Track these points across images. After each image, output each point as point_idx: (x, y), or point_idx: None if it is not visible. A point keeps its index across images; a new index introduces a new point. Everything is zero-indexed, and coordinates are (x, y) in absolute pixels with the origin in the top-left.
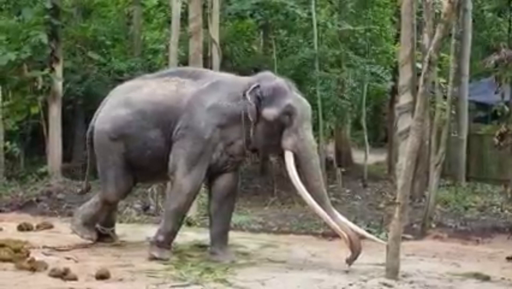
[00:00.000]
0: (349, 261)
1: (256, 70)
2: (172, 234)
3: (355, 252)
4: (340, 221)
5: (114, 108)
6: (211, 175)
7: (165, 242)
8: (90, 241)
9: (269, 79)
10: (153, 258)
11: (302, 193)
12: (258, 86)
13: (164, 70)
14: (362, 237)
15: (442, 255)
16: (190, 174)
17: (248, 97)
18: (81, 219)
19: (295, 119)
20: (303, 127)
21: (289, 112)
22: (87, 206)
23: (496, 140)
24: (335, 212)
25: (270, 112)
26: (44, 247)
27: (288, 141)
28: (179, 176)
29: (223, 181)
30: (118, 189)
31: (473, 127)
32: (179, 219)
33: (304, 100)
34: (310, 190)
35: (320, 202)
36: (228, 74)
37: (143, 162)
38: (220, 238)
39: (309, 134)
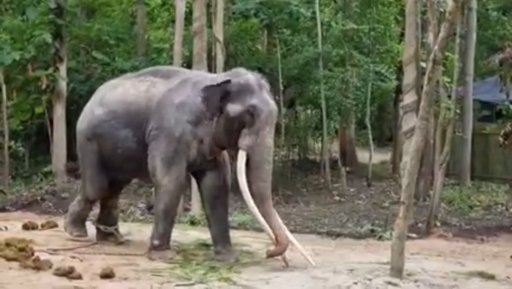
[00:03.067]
0: (268, 255)
1: (260, 70)
2: (166, 234)
3: (279, 251)
4: (277, 223)
5: (91, 107)
6: (195, 175)
7: (161, 244)
8: (80, 238)
9: (239, 75)
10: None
11: (244, 193)
12: (229, 81)
13: (142, 70)
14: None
15: (447, 254)
16: (169, 173)
17: (212, 90)
18: (69, 217)
19: (257, 121)
20: (265, 131)
21: (251, 113)
22: (73, 204)
23: (501, 140)
24: (275, 215)
25: (232, 108)
26: (49, 248)
27: (244, 141)
28: (160, 177)
29: (209, 181)
30: (94, 187)
31: (477, 126)
32: (169, 218)
33: (272, 103)
34: (254, 189)
35: (261, 202)
36: (199, 71)
37: (115, 161)
38: (222, 237)
39: (268, 139)
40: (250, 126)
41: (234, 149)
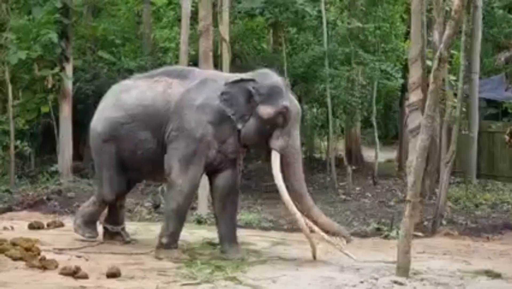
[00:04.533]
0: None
1: (266, 68)
2: (175, 234)
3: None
4: (325, 221)
5: (105, 110)
6: (210, 174)
7: (170, 243)
8: (92, 239)
9: (267, 76)
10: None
11: (283, 195)
12: (253, 80)
13: (155, 70)
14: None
15: (453, 253)
16: (185, 173)
17: (235, 88)
18: (81, 218)
19: (288, 122)
20: (295, 131)
21: (284, 114)
22: (86, 205)
23: (507, 138)
24: (318, 211)
25: (265, 110)
26: (55, 247)
27: (278, 142)
28: (175, 176)
29: (223, 180)
30: (112, 188)
31: (483, 124)
32: (180, 218)
33: (297, 103)
34: (290, 188)
35: (298, 199)
36: (216, 71)
37: (135, 163)
38: (229, 236)
39: (298, 138)
40: (282, 127)
41: (263, 149)
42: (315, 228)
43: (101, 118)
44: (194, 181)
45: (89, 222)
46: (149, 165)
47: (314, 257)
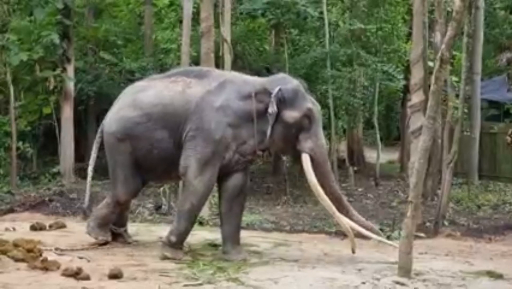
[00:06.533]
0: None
1: (268, 70)
2: (185, 234)
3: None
4: (359, 219)
5: (121, 109)
6: (222, 175)
7: (178, 242)
8: (104, 242)
9: (288, 81)
10: (166, 258)
11: (320, 195)
12: (280, 89)
13: (171, 71)
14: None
15: (455, 253)
16: (202, 174)
17: (273, 100)
18: (95, 220)
19: (314, 123)
20: (320, 131)
21: (309, 116)
22: (99, 207)
23: (509, 139)
24: (353, 210)
25: (291, 115)
26: (57, 249)
27: (306, 144)
28: (191, 177)
29: (233, 181)
30: (127, 188)
31: (485, 125)
32: (192, 219)
33: (317, 103)
34: (327, 192)
35: (338, 203)
36: (235, 73)
37: (150, 162)
38: (232, 237)
39: (323, 138)
40: (308, 129)
41: (291, 153)
42: (357, 227)
43: (116, 118)
44: (209, 182)
45: (103, 225)
46: (164, 165)
47: (353, 251)
